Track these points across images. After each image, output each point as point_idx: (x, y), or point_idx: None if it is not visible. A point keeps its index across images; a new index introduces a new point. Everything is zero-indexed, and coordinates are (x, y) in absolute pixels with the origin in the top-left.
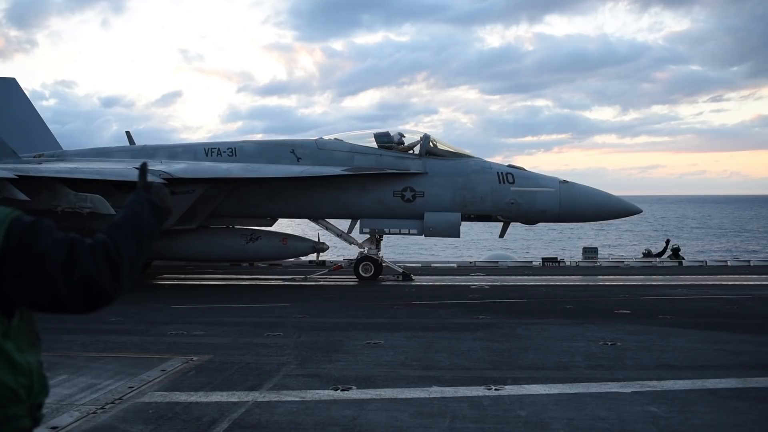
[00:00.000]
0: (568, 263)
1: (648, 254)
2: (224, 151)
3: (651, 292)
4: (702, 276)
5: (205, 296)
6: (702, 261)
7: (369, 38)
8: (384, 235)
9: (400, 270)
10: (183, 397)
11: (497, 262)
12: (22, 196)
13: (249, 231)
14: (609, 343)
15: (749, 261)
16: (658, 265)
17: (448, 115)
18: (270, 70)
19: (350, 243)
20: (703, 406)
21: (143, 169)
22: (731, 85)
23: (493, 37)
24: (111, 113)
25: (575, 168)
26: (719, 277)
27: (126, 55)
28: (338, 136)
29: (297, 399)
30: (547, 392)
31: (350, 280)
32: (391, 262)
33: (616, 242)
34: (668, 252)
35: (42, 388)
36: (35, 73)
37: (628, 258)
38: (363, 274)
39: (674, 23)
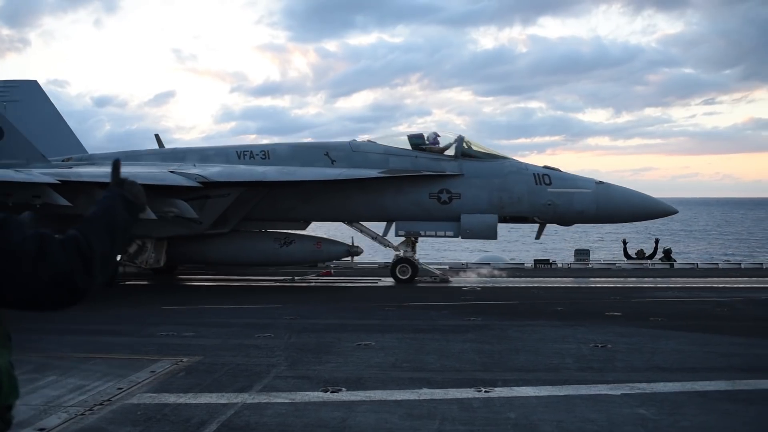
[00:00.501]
0: (560, 265)
1: (641, 254)
2: (257, 154)
3: (642, 294)
4: (693, 278)
5: (197, 297)
6: (693, 263)
7: (362, 39)
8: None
9: (437, 272)
10: (172, 398)
11: (489, 264)
12: (64, 201)
13: (282, 235)
14: (599, 345)
15: (740, 264)
16: (650, 267)
17: (441, 117)
18: (263, 70)
19: (385, 246)
20: (693, 408)
21: (116, 166)
22: (724, 88)
23: (486, 38)
24: (104, 113)
25: (567, 170)
26: (710, 279)
27: (119, 54)
28: (371, 137)
29: (286, 401)
30: (537, 394)
31: (338, 282)
32: (427, 264)
33: (597, 243)
34: (659, 254)
35: (12, 389)
36: (28, 73)
37: (620, 260)
38: (400, 276)
39: (667, 26)
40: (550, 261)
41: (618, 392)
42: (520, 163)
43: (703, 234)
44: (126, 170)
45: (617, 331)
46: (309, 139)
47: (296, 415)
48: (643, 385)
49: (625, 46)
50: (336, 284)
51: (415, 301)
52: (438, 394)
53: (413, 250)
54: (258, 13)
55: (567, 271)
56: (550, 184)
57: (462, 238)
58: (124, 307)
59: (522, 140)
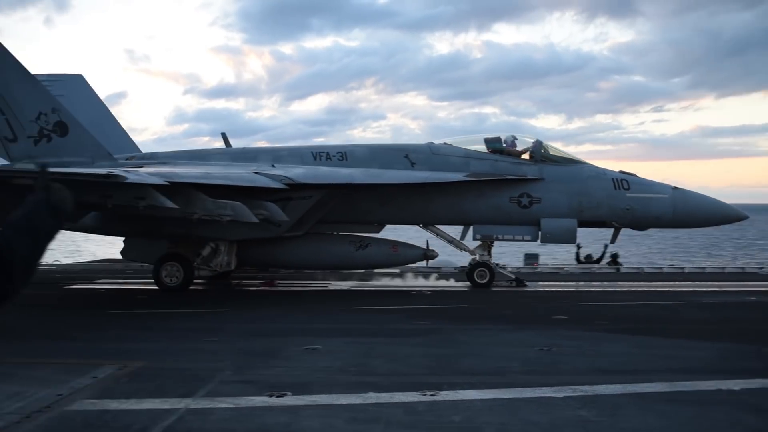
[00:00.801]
0: (509, 269)
1: (589, 258)
2: (334, 156)
3: (589, 298)
4: (638, 282)
5: (143, 302)
6: (639, 268)
7: (318, 42)
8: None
9: (513, 276)
10: (114, 404)
11: (440, 268)
12: (170, 204)
13: (358, 238)
14: (545, 349)
15: (683, 268)
16: (597, 271)
17: (396, 121)
18: (218, 72)
19: (462, 249)
20: (633, 409)
21: (43, 171)
22: (672, 96)
23: (442, 44)
24: None
25: None
26: (654, 283)
27: (70, 54)
28: (448, 140)
29: (231, 406)
30: (482, 397)
31: (288, 285)
32: (502, 268)
33: (538, 248)
34: (607, 258)
35: None
36: None
37: (568, 264)
38: (478, 281)
39: (619, 34)
40: (500, 265)
41: (561, 395)
42: (598, 167)
43: (644, 238)
44: (203, 170)
45: (563, 334)
46: (263, 143)
47: (240, 420)
48: (586, 387)
49: (578, 54)
50: (285, 288)
51: (365, 304)
52: (384, 398)
53: (489, 254)
54: (213, 15)
55: (516, 275)
56: (628, 189)
57: (541, 242)
58: (69, 311)
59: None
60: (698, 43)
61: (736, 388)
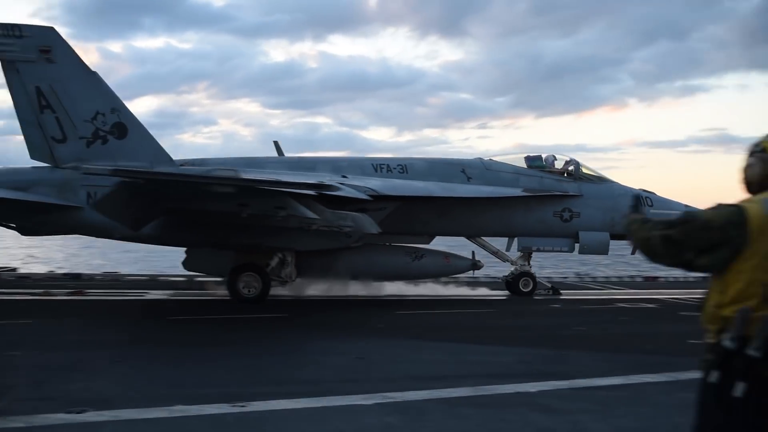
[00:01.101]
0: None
1: None
2: (394, 168)
3: (407, 306)
4: (456, 291)
5: None
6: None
7: (149, 43)
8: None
9: (549, 285)
10: None
11: None
12: (311, 215)
13: (413, 249)
14: (360, 357)
15: (497, 278)
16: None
17: (227, 127)
18: None
19: (504, 260)
20: (437, 414)
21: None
22: (495, 114)
23: (277, 51)
24: None
25: None
26: (469, 292)
27: None
28: (494, 157)
29: (22, 425)
30: (293, 407)
31: (101, 295)
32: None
33: None
34: None
35: None
36: None
37: None
38: (523, 289)
39: (449, 53)
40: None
41: (371, 402)
42: (624, 185)
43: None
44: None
45: (379, 342)
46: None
47: None
48: (396, 394)
49: (410, 69)
50: (96, 298)
51: (183, 314)
52: (192, 410)
53: (529, 264)
54: (34, 5)
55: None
56: (652, 206)
57: (579, 253)
58: None
59: (308, 154)
60: (520, 66)
61: (533, 390)
